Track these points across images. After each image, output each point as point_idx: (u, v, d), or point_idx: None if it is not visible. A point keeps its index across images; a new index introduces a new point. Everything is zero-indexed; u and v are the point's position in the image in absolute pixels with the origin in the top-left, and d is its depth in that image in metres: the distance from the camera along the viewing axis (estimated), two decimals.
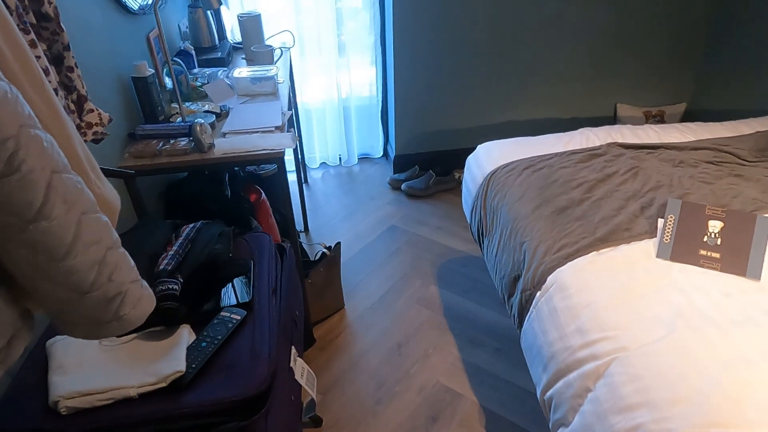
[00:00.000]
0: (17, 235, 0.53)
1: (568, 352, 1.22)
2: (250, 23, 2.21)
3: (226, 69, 2.10)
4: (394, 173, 3.06)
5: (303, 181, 2.97)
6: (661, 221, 1.44)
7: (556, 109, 3.08)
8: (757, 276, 1.28)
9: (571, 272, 1.35)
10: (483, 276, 2.28)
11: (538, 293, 1.40)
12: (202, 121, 1.61)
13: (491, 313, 2.09)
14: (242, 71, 1.94)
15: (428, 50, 2.74)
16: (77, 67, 1.09)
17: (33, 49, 0.87)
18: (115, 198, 0.81)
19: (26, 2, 0.94)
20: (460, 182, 2.95)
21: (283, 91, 1.94)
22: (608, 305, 1.23)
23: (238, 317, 1.07)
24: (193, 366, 0.95)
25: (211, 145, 1.53)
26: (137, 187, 1.40)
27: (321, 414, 1.70)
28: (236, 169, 2.11)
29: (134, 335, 1.01)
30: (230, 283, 1.17)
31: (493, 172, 1.86)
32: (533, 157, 1.87)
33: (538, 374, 1.34)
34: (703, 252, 1.34)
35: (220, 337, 1.02)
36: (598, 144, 1.94)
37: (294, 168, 2.77)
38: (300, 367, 1.20)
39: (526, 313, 1.43)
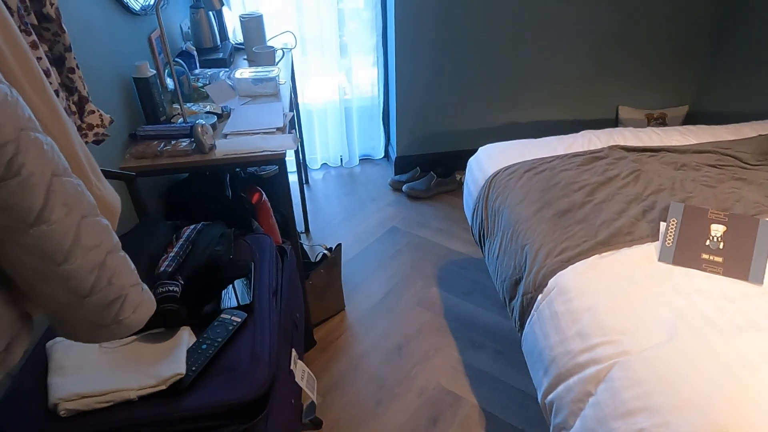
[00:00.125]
0: (17, 239, 0.53)
1: (569, 356, 1.22)
2: (252, 24, 2.21)
3: (227, 70, 2.10)
4: (396, 174, 3.06)
5: (304, 181, 2.97)
6: (663, 225, 1.44)
7: (557, 110, 3.08)
8: (759, 280, 1.27)
9: (572, 275, 1.35)
10: (484, 278, 2.28)
11: (540, 296, 1.39)
12: (204, 122, 1.61)
13: (492, 316, 2.09)
14: (244, 72, 1.94)
15: (430, 51, 2.74)
16: (78, 68, 1.08)
17: (34, 50, 0.87)
18: (116, 200, 0.80)
19: (27, 3, 0.93)
20: (462, 184, 2.94)
21: (285, 92, 1.94)
22: (610, 309, 1.23)
23: (239, 319, 1.06)
24: (193, 368, 0.95)
25: (213, 146, 1.53)
26: (138, 188, 1.40)
27: (321, 416, 1.69)
28: (237, 170, 2.11)
29: (134, 337, 1.01)
30: (231, 285, 1.17)
31: (495, 175, 1.86)
32: (535, 159, 1.87)
33: (539, 378, 1.33)
34: (705, 256, 1.34)
35: (220, 340, 1.01)
36: (599, 147, 1.93)
37: (295, 169, 2.76)
38: (300, 370, 1.20)
39: (527, 317, 1.43)
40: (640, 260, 1.36)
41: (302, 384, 1.18)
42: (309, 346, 1.95)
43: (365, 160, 3.31)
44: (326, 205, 2.86)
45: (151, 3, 1.77)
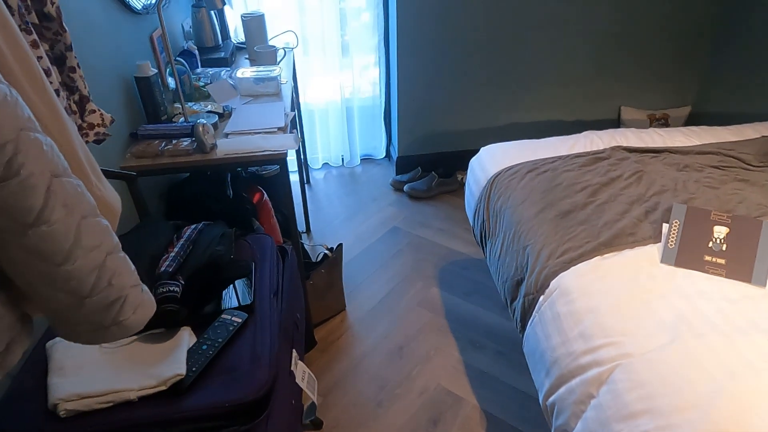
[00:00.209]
0: (16, 240, 0.52)
1: (570, 358, 1.21)
2: (254, 23, 2.20)
3: (229, 69, 2.09)
4: (397, 174, 3.05)
5: (305, 181, 2.96)
6: (665, 226, 1.43)
7: (559, 111, 3.07)
8: (762, 282, 1.27)
9: (574, 277, 1.34)
10: (485, 279, 2.27)
11: (541, 297, 1.39)
12: (205, 121, 1.61)
13: (493, 316, 2.08)
14: (245, 71, 1.94)
15: (432, 51, 2.73)
16: (79, 68, 1.08)
17: (35, 49, 0.87)
18: (116, 200, 0.80)
19: (28, 2, 0.93)
20: (463, 184, 2.94)
21: (286, 91, 1.93)
22: (612, 311, 1.22)
23: (239, 320, 1.06)
24: (194, 369, 0.95)
25: (214, 146, 1.53)
26: (139, 188, 1.40)
27: (321, 416, 1.69)
28: (238, 169, 2.11)
29: (134, 337, 1.01)
30: (231, 285, 1.16)
31: (497, 175, 1.85)
32: (537, 160, 1.86)
33: (541, 379, 1.33)
34: (708, 258, 1.33)
35: (220, 340, 1.01)
36: (602, 147, 1.93)
37: (296, 168, 2.76)
38: (301, 371, 1.19)
39: (529, 318, 1.42)
40: (643, 262, 1.36)
41: (303, 385, 1.18)
42: (310, 347, 1.95)
43: (366, 159, 3.30)
44: (327, 204, 2.86)
45: (153, 2, 1.77)
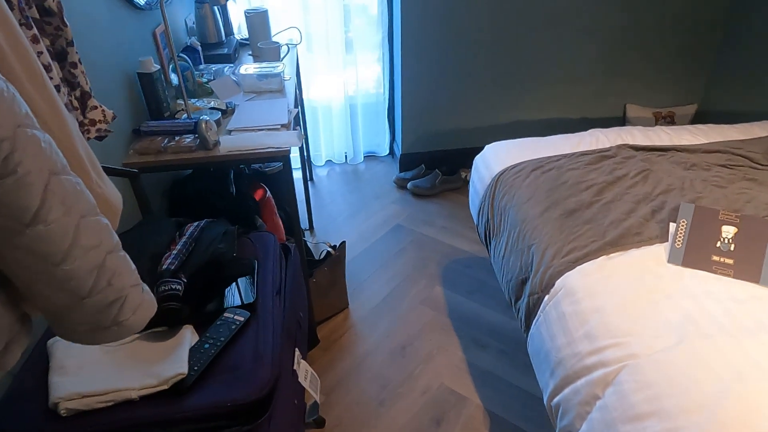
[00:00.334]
0: (13, 239, 0.51)
1: (576, 358, 1.20)
2: (257, 19, 2.19)
3: (232, 65, 2.08)
4: (400, 172, 3.04)
5: (308, 178, 2.95)
6: (672, 225, 1.41)
7: (564, 109, 3.05)
8: None
9: (579, 276, 1.33)
10: (488, 277, 2.26)
11: (546, 297, 1.37)
12: (208, 118, 1.60)
13: (497, 315, 2.07)
14: (249, 68, 1.92)
15: (436, 48, 2.71)
16: (81, 63, 1.07)
17: (35, 44, 0.86)
18: (117, 198, 0.79)
19: None
20: (467, 182, 2.92)
21: (290, 88, 1.92)
22: (618, 311, 1.21)
23: (242, 318, 1.05)
24: (196, 368, 0.94)
25: (217, 143, 1.52)
26: (141, 185, 1.39)
27: (324, 415, 1.68)
28: (241, 166, 2.10)
29: (136, 336, 1.00)
30: (234, 283, 1.16)
31: (501, 173, 1.83)
32: (542, 158, 1.84)
33: (545, 379, 1.31)
34: (715, 258, 1.32)
35: (223, 339, 1.00)
36: (608, 145, 1.91)
37: (299, 165, 2.75)
38: (303, 370, 1.18)
39: (534, 317, 1.41)
40: (649, 261, 1.34)
41: (305, 384, 1.17)
42: (312, 345, 1.94)
43: (370, 157, 3.29)
44: (330, 202, 2.85)
45: None
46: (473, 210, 2.01)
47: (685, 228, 1.38)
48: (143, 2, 1.67)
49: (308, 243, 2.31)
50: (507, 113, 3.00)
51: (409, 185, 2.90)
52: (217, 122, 1.65)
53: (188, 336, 1.01)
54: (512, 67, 2.84)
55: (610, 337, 1.16)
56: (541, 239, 1.49)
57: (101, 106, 1.15)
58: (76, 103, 1.08)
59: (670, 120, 3.11)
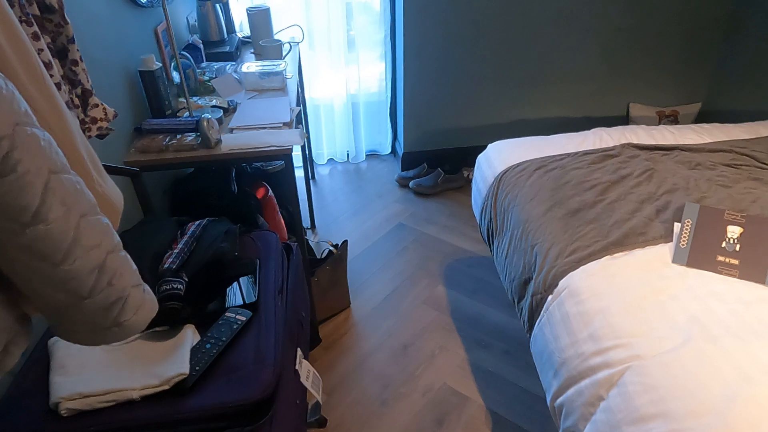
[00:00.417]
0: (13, 239, 0.51)
1: (580, 359, 1.19)
2: (259, 17, 2.18)
3: (234, 63, 2.07)
4: (402, 170, 3.03)
5: (310, 177, 2.94)
6: (677, 225, 1.40)
7: (567, 107, 3.03)
8: None
9: (583, 276, 1.32)
10: (491, 277, 2.25)
11: (550, 297, 1.37)
12: (210, 116, 1.59)
13: (499, 315, 2.06)
14: (251, 66, 1.92)
15: (438, 46, 2.70)
16: (82, 61, 1.06)
17: (35, 42, 0.85)
18: (118, 197, 0.78)
19: None
20: (469, 180, 2.91)
21: (292, 86, 1.91)
22: (622, 311, 1.20)
23: (244, 318, 1.05)
24: (197, 368, 0.93)
25: (219, 141, 1.51)
26: (143, 183, 1.38)
27: (325, 414, 1.68)
28: (243, 165, 2.09)
29: (137, 335, 0.99)
30: (236, 283, 1.15)
31: (504, 172, 1.83)
32: (545, 157, 1.83)
33: (549, 380, 1.31)
34: (721, 258, 1.31)
35: (224, 339, 1.00)
36: (611, 144, 1.90)
37: (301, 164, 2.74)
38: (305, 370, 1.18)
39: (537, 318, 1.40)
40: (654, 262, 1.33)
41: (307, 384, 1.16)
42: (314, 344, 1.94)
43: (372, 155, 3.28)
44: (332, 200, 2.84)
45: None
46: (476, 209, 2.00)
47: (690, 228, 1.37)
48: (145, 0, 1.66)
49: (310, 242, 2.31)
50: (509, 112, 2.99)
51: (411, 184, 2.89)
52: (219, 120, 1.65)
53: (190, 336, 1.00)
54: (514, 66, 2.83)
55: (615, 338, 1.15)
56: (545, 239, 1.48)
57: (102, 104, 1.14)
58: (77, 101, 1.07)
59: (673, 119, 3.09)
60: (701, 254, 1.32)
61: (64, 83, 1.00)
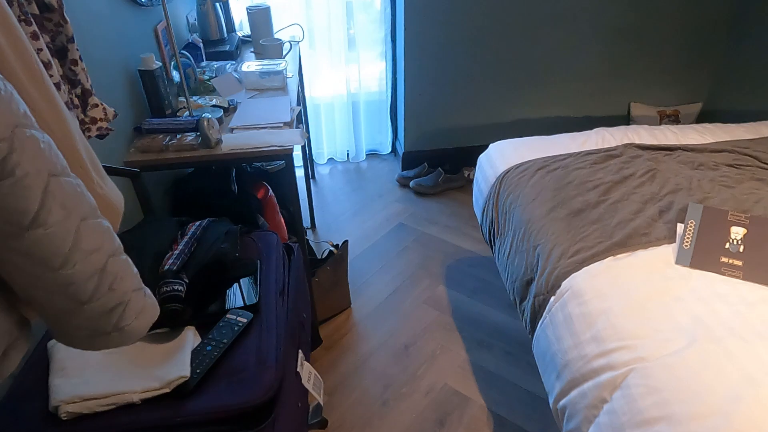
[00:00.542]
0: (12, 243, 0.50)
1: (583, 361, 1.18)
2: (259, 16, 2.17)
3: (234, 62, 2.06)
4: (403, 170, 3.02)
5: (310, 177, 2.93)
6: (680, 226, 1.40)
7: (568, 107, 3.03)
8: None
9: (586, 278, 1.31)
10: (492, 277, 2.24)
11: (552, 298, 1.36)
12: (210, 115, 1.58)
13: (501, 315, 2.06)
14: (251, 65, 1.91)
15: (439, 45, 2.69)
16: (81, 60, 1.05)
17: (35, 41, 0.84)
18: (119, 199, 0.77)
19: None
20: (470, 180, 2.90)
21: (292, 85, 1.90)
22: (625, 313, 1.19)
23: (245, 320, 1.04)
24: (198, 371, 0.92)
25: (219, 141, 1.50)
26: (143, 183, 1.37)
27: (327, 415, 1.67)
28: (243, 164, 2.08)
29: None
30: (237, 284, 1.14)
31: (506, 172, 1.82)
32: (547, 157, 1.83)
33: (551, 382, 1.30)
34: (724, 259, 1.30)
35: (225, 341, 0.99)
36: (614, 144, 1.89)
37: (301, 163, 2.73)
38: (307, 372, 1.17)
39: (539, 319, 1.39)
40: (657, 263, 1.32)
41: (309, 386, 1.15)
42: (315, 345, 1.93)
43: (372, 155, 3.27)
44: (333, 200, 2.83)
45: None
46: (477, 209, 1.99)
47: (694, 229, 1.36)
48: None
49: (310, 242, 2.30)
50: (510, 111, 2.98)
51: (411, 184, 2.88)
52: (219, 120, 1.64)
53: (190, 338, 0.99)
54: (515, 65, 2.82)
55: (618, 340, 1.14)
56: (547, 239, 1.48)
57: (102, 104, 1.13)
58: (76, 101, 1.06)
59: (674, 119, 3.08)
60: (705, 255, 1.31)
61: (63, 83, 0.99)
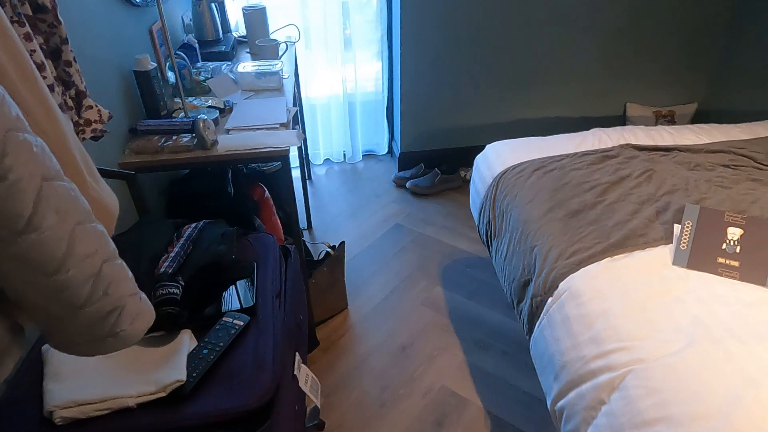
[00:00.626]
0: (5, 248, 0.49)
1: (581, 362, 1.18)
2: (255, 16, 2.16)
3: (230, 63, 2.05)
4: (399, 171, 3.02)
5: (306, 177, 2.92)
6: (677, 227, 1.40)
7: (565, 107, 3.03)
8: None
9: (584, 279, 1.31)
10: (489, 278, 2.24)
11: (550, 299, 1.36)
12: (206, 116, 1.57)
13: (498, 316, 2.05)
14: (246, 66, 1.90)
15: (436, 45, 2.69)
16: (76, 62, 1.04)
17: (28, 42, 0.83)
18: (113, 202, 0.76)
19: None
20: (466, 181, 2.90)
21: (288, 86, 1.89)
22: (623, 314, 1.19)
23: (241, 323, 1.03)
24: (194, 375, 0.92)
25: (215, 142, 1.49)
26: (138, 185, 1.36)
27: (324, 417, 1.66)
28: (239, 165, 2.07)
29: None
30: (233, 287, 1.13)
31: (503, 173, 1.81)
32: (544, 158, 1.83)
33: (549, 383, 1.30)
34: (721, 260, 1.30)
35: (222, 344, 0.98)
36: (610, 145, 1.89)
37: (297, 164, 2.72)
38: (304, 374, 1.16)
39: (537, 320, 1.39)
40: (654, 263, 1.32)
41: (306, 389, 1.15)
42: (312, 346, 1.92)
43: (368, 155, 3.26)
44: (329, 201, 2.82)
45: None
46: (474, 210, 1.99)
47: (690, 229, 1.36)
48: None
49: (307, 243, 2.29)
50: (506, 112, 2.98)
51: (408, 184, 2.88)
52: (215, 121, 1.63)
53: (186, 341, 0.98)
54: (512, 65, 2.82)
55: (617, 341, 1.14)
56: (544, 240, 1.47)
57: (97, 106, 1.12)
58: (70, 103, 1.05)
59: (670, 119, 3.09)
60: (702, 256, 1.31)
61: (57, 85, 0.98)
